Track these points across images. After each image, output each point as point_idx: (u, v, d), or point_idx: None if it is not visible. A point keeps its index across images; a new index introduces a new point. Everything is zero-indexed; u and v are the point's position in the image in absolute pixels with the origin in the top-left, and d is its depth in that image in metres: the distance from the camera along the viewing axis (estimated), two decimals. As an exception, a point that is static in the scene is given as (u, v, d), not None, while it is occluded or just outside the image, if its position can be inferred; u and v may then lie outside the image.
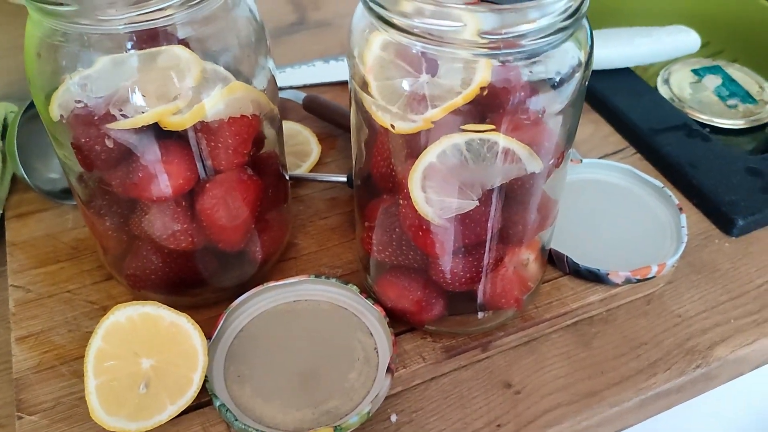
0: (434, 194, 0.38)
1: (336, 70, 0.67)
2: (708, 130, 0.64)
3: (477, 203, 0.38)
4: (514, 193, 0.39)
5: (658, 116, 0.62)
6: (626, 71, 0.66)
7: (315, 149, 0.59)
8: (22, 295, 0.49)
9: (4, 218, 0.54)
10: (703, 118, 0.65)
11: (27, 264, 0.51)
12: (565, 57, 0.36)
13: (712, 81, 0.68)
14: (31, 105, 0.53)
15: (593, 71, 0.64)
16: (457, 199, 0.38)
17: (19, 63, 0.71)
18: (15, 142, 0.51)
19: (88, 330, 0.47)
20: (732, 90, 0.67)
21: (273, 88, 0.44)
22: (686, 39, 0.65)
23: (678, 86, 0.68)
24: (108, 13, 0.35)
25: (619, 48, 0.64)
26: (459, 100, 0.35)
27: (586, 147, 0.61)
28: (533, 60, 0.35)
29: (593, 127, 0.63)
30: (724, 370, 0.48)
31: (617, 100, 0.63)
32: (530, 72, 0.35)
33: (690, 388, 0.47)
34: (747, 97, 0.67)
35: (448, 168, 0.37)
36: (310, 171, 0.57)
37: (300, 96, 0.62)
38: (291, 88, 0.64)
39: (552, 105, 0.36)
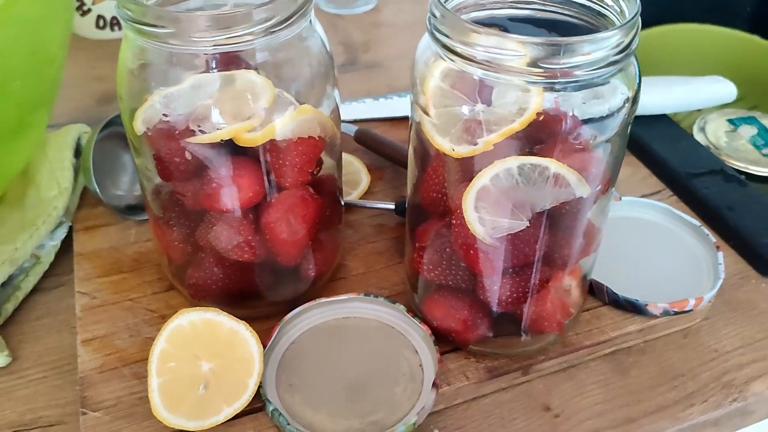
0: (487, 215, 0.41)
1: (384, 107, 0.71)
2: (743, 176, 0.65)
3: (527, 224, 0.40)
4: (562, 217, 0.41)
5: (695, 161, 0.64)
6: (664, 118, 0.69)
7: (365, 179, 0.62)
8: (87, 302, 0.52)
9: (73, 230, 0.58)
10: (739, 165, 0.67)
11: (92, 273, 0.54)
12: (615, 90, 0.38)
13: (748, 131, 0.71)
14: (105, 126, 0.57)
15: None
16: (508, 220, 0.40)
17: (86, 91, 0.76)
18: (91, 159, 0.55)
19: (148, 336, 0.49)
20: (767, 140, 0.70)
21: (336, 115, 0.47)
22: (723, 89, 0.67)
23: (714, 134, 0.70)
24: (199, 35, 0.38)
25: (658, 95, 0.67)
26: (517, 126, 0.37)
27: (624, 188, 0.63)
28: (585, 91, 0.37)
29: (632, 170, 0.66)
30: (761, 405, 0.49)
31: (655, 145, 0.66)
32: (582, 102, 0.38)
33: (726, 422, 0.48)
34: (782, 147, 0.69)
35: (500, 190, 0.40)
36: (360, 198, 0.60)
37: (352, 129, 0.65)
38: (343, 122, 0.68)
39: (601, 134, 0.39)
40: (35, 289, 0.55)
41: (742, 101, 0.83)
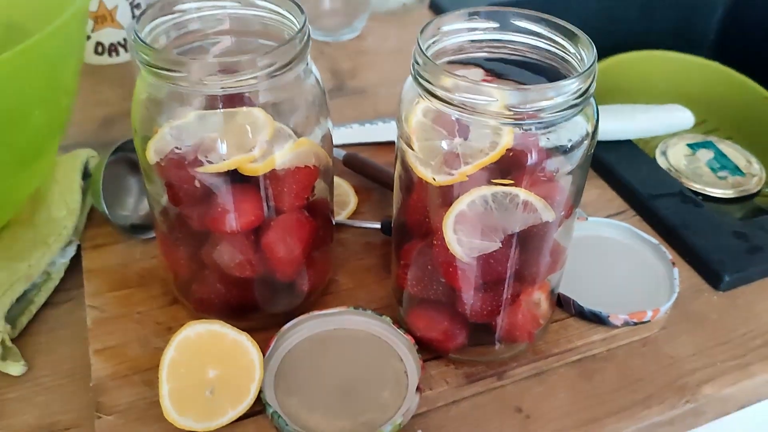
0: (464, 236, 0.46)
1: (370, 132, 0.76)
2: (701, 198, 0.71)
3: (500, 245, 0.46)
4: (531, 239, 0.46)
5: (656, 184, 0.70)
6: (628, 143, 0.74)
7: (352, 200, 0.67)
8: (97, 315, 0.56)
9: (81, 248, 0.62)
10: (697, 187, 0.73)
11: (102, 288, 0.58)
12: (576, 127, 0.44)
13: (705, 155, 0.77)
14: (114, 151, 0.61)
15: (600, 142, 0.72)
16: (483, 241, 0.45)
17: (88, 115, 0.80)
18: (101, 182, 0.59)
19: (156, 346, 0.54)
20: (722, 163, 0.76)
21: (329, 143, 0.52)
22: (682, 116, 0.73)
23: (674, 158, 0.76)
24: (209, 78, 0.43)
25: (622, 122, 0.72)
26: (488, 159, 0.43)
27: (592, 208, 0.69)
28: (550, 129, 0.43)
29: (598, 192, 0.71)
30: (711, 406, 0.54)
31: (620, 169, 0.71)
32: (547, 139, 0.43)
33: (681, 422, 0.53)
34: (736, 170, 0.75)
35: (476, 215, 0.45)
36: (348, 218, 0.65)
37: (340, 154, 0.70)
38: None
39: (564, 166, 0.44)
40: (47, 304, 0.59)
41: (704, 125, 0.90)
